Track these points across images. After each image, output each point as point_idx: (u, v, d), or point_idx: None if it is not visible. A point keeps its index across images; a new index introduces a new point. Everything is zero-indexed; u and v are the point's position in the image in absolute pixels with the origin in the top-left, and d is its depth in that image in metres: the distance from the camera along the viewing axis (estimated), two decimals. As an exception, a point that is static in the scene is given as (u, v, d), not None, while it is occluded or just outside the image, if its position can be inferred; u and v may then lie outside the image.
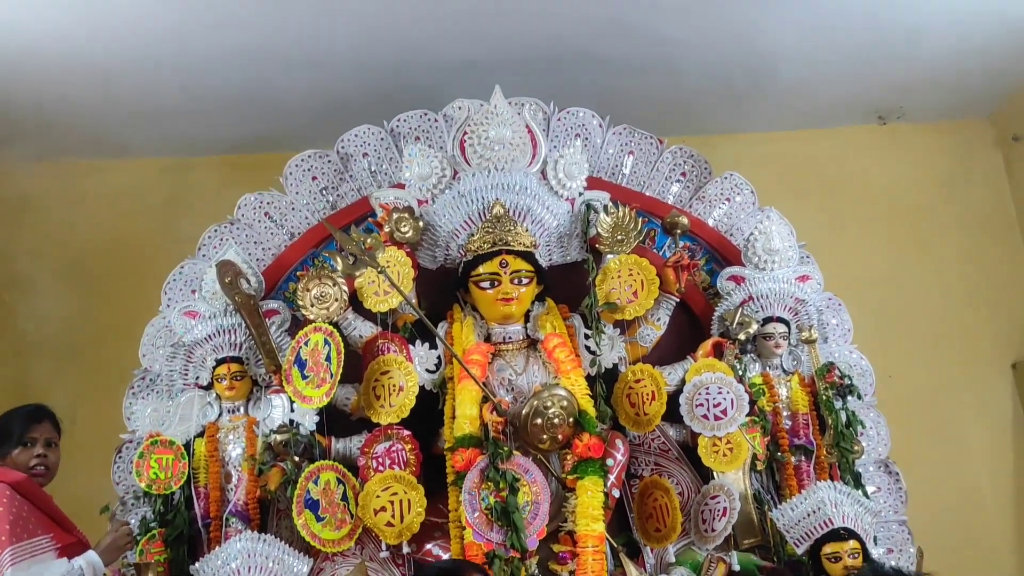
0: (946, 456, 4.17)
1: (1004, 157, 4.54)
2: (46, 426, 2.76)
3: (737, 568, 2.97)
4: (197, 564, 2.79)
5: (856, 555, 2.83)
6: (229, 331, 3.18)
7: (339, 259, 2.98)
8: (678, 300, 3.39)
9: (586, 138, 3.58)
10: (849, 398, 3.34)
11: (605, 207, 3.36)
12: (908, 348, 4.25)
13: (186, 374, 3.22)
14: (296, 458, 2.97)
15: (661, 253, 3.53)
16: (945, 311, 4.35)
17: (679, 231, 3.43)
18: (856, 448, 3.28)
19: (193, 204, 4.05)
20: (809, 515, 2.92)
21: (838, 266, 4.11)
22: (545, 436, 2.95)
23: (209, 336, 3.18)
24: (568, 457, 2.99)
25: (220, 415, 3.18)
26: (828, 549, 2.85)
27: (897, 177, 4.48)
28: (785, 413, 3.36)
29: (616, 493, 3.09)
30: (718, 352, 3.33)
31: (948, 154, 4.53)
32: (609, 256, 3.34)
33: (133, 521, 3.04)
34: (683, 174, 3.70)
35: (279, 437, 3.00)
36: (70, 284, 4.02)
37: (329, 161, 3.48)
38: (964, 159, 4.54)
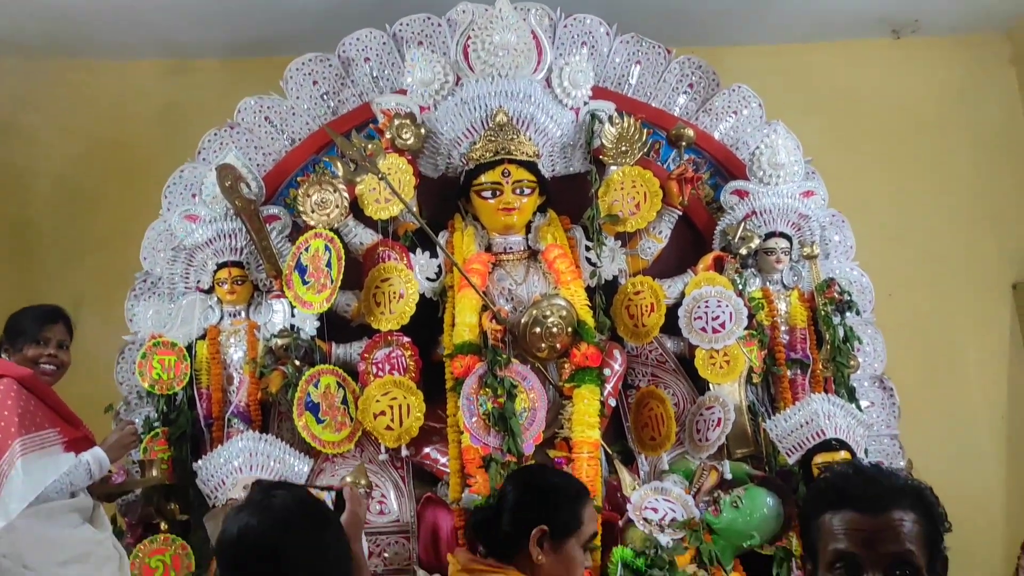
0: (942, 374, 4.19)
1: (1018, 75, 4.43)
2: (60, 328, 2.81)
3: (729, 476, 3.02)
4: (200, 461, 2.86)
5: (846, 466, 2.87)
6: (230, 235, 3.18)
7: (340, 165, 2.97)
8: (680, 213, 3.37)
9: (592, 46, 3.50)
10: (847, 314, 3.35)
11: (610, 117, 3.30)
12: (910, 266, 4.23)
13: (187, 277, 3.24)
14: (297, 362, 3.01)
15: (665, 166, 3.49)
16: (949, 230, 4.31)
17: (684, 143, 3.38)
18: (852, 363, 3.31)
19: (193, 108, 3.98)
20: (802, 426, 2.97)
21: (844, 182, 4.07)
22: (543, 345, 2.97)
23: (210, 240, 3.18)
24: (566, 366, 3.03)
25: (221, 319, 3.21)
26: (819, 459, 2.91)
27: (908, 93, 4.39)
28: (783, 327, 3.37)
29: (612, 402, 3.14)
30: (719, 266, 3.34)
31: (962, 70, 4.43)
32: (612, 168, 3.30)
33: (137, 420, 3.10)
34: (690, 85, 3.63)
35: (280, 341, 3.03)
36: (70, 187, 3.99)
37: (330, 65, 3.42)
38: (978, 75, 4.44)
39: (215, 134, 3.39)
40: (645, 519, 2.84)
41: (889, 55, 4.43)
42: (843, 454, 2.90)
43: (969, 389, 4.23)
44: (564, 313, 2.98)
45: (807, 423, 2.96)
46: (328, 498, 1.67)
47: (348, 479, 2.78)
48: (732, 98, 3.62)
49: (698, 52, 3.76)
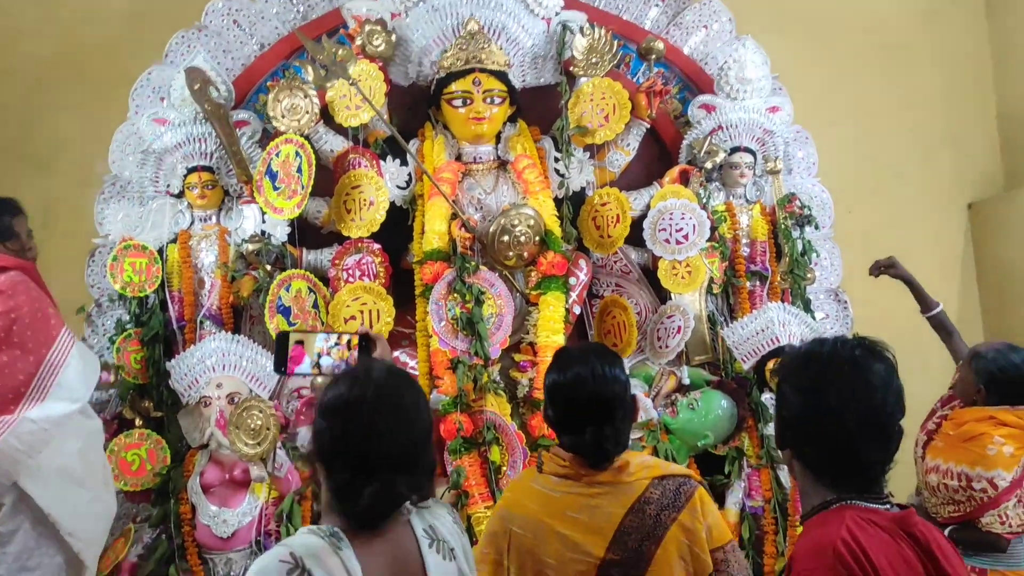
0: (896, 288, 4.33)
1: (986, 1, 4.49)
2: (23, 218, 2.81)
3: (687, 382, 3.16)
4: (173, 361, 2.93)
5: (799, 372, 3.01)
6: (199, 140, 3.18)
7: (311, 70, 2.98)
8: (648, 126, 3.42)
9: (565, -45, 3.49)
10: (807, 228, 3.45)
11: (581, 28, 3.31)
12: (870, 183, 4.34)
13: (157, 181, 3.25)
14: (268, 267, 3.05)
15: (635, 79, 3.52)
16: (910, 149, 4.41)
17: (654, 57, 3.41)
18: (809, 276, 3.43)
19: (160, 9, 3.91)
20: (758, 333, 3.10)
21: (810, 99, 4.13)
22: (511, 253, 3.05)
23: (179, 144, 3.18)
24: (532, 274, 3.11)
25: (192, 223, 3.24)
26: (772, 364, 3.04)
27: (877, 13, 4.42)
28: (744, 240, 3.46)
29: (577, 310, 3.23)
30: (684, 179, 3.41)
31: (931, -9, 4.48)
32: (583, 79, 3.33)
33: (109, 323, 3.15)
34: (662, -1, 3.64)
35: (251, 247, 3.07)
36: (39, 90, 3.93)
37: (300, -32, 3.38)
38: (946, -1, 4.49)
39: (183, 36, 3.35)
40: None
41: (862, -27, 4.44)
42: (796, 360, 3.03)
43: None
44: (532, 222, 3.04)
45: (762, 331, 3.09)
46: (352, 339, 1.80)
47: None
48: (703, 12, 3.64)
49: (669, -32, 3.75)
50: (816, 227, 3.48)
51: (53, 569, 2.36)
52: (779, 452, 2.89)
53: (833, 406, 1.37)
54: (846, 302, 3.70)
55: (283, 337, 1.78)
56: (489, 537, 1.88)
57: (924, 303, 3.13)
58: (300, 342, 1.77)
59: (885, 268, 3.18)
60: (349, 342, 1.79)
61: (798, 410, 1.42)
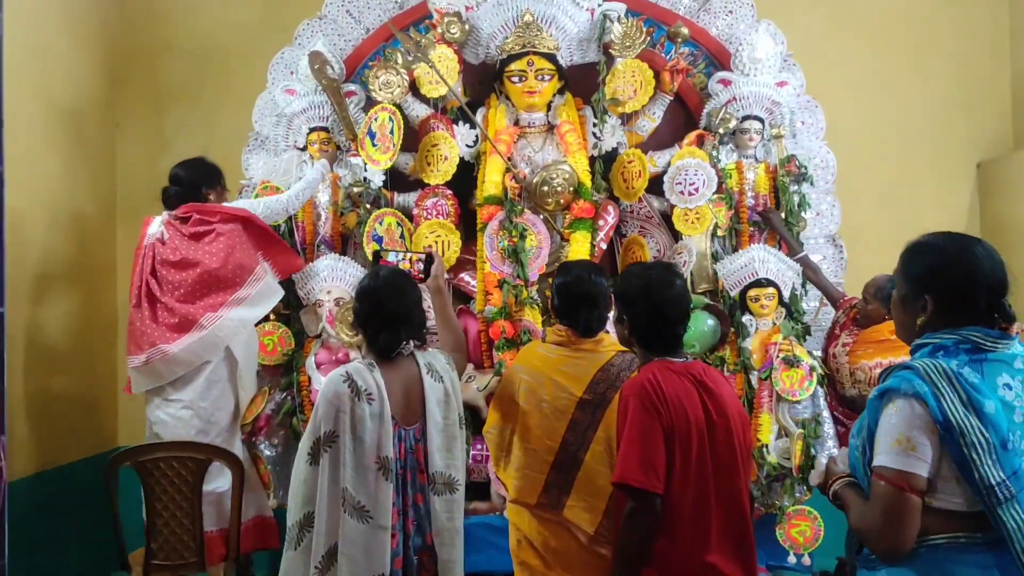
0: (903, 243, 4.94)
1: (1009, -26, 4.95)
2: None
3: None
4: (297, 273, 3.95)
5: (772, 298, 3.81)
6: (318, 106, 4.14)
7: (400, 54, 3.89)
8: (671, 99, 4.18)
9: (610, -48, 4.24)
10: (803, 184, 4.15)
11: (618, 18, 4.09)
12: (885, 144, 4.93)
13: (287, 138, 4.23)
14: (368, 205, 4.03)
15: (669, 57, 4.24)
16: (923, 112, 4.94)
17: (680, 39, 4.13)
18: (801, 224, 4.14)
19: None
20: (742, 267, 3.89)
21: (832, 67, 4.81)
22: (550, 200, 3.93)
23: (304, 109, 4.15)
24: (566, 216, 3.98)
25: (313, 170, 4.22)
26: (752, 292, 3.84)
27: (901, -12, 4.98)
28: (750, 194, 4.17)
29: (603, 245, 4.07)
30: (700, 142, 4.16)
31: (954, -32, 4.97)
32: (618, 59, 4.11)
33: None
34: (694, -14, 4.35)
35: (355, 189, 4.04)
36: (196, 60, 4.97)
37: (399, -33, 4.27)
38: (970, -26, 4.97)
39: (308, 23, 4.30)
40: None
41: (888, -47, 4.98)
42: (771, 290, 3.82)
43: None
44: (567, 176, 3.91)
45: (746, 265, 3.87)
46: (420, 257, 2.79)
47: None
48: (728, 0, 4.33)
49: (709, -46, 4.43)
50: (811, 183, 4.17)
51: (231, 410, 3.57)
52: (752, 360, 3.74)
53: (651, 303, 2.23)
54: (841, 247, 4.36)
55: (376, 254, 2.80)
56: (506, 381, 2.82)
57: (791, 248, 3.93)
58: (384, 258, 2.76)
59: (761, 213, 3.98)
60: (411, 259, 2.76)
61: (636, 307, 2.28)
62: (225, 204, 3.70)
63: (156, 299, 3.55)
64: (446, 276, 4.00)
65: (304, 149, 4.21)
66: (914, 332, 1.93)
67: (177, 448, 3.36)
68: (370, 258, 3.81)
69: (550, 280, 3.92)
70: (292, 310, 4.01)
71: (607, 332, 2.84)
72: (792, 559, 3.74)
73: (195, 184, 3.70)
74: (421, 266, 2.77)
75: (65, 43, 4.47)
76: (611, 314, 2.75)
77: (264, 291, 3.64)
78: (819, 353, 3.98)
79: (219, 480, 3.43)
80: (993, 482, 1.70)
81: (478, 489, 3.75)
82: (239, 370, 3.58)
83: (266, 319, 3.88)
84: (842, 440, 3.73)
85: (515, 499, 2.66)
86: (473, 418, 3.62)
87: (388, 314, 2.45)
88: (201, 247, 3.57)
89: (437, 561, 2.43)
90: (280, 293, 3.74)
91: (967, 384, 1.76)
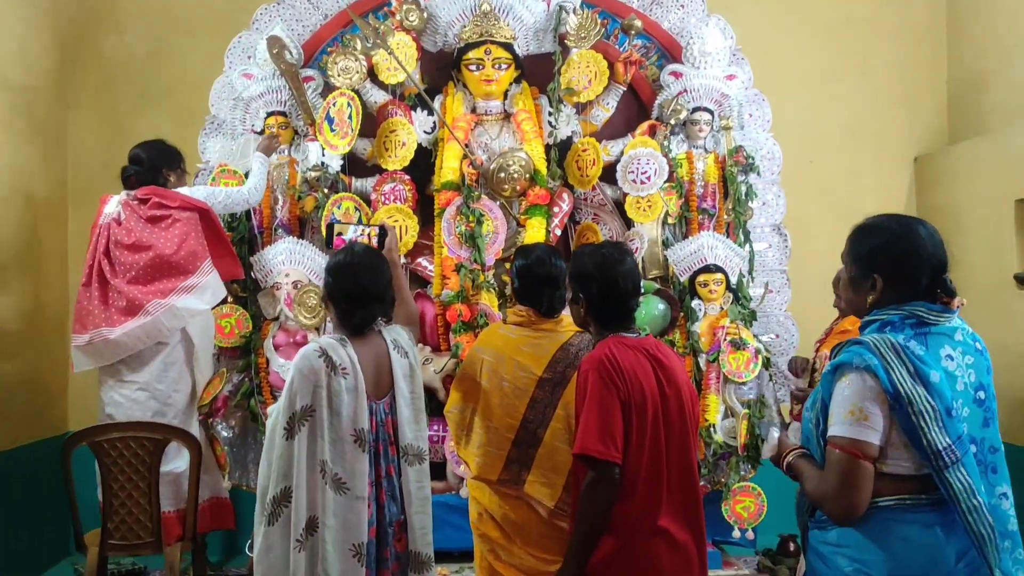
0: (845, 231, 5.10)
1: (946, -25, 5.17)
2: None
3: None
4: (255, 256, 3.98)
5: (720, 283, 3.94)
6: (276, 91, 4.16)
7: (359, 41, 3.93)
8: (624, 89, 4.29)
9: (566, -57, 4.33)
10: (750, 175, 4.29)
11: (574, 9, 4.18)
12: (828, 138, 5.11)
13: (244, 122, 4.24)
14: (325, 190, 4.06)
15: (622, 49, 4.35)
16: (865, 108, 5.14)
17: (633, 32, 4.25)
18: (748, 213, 4.28)
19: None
20: (691, 254, 4.02)
21: (780, 63, 4.96)
22: (506, 186, 4.01)
23: (261, 93, 4.17)
24: (522, 203, 4.06)
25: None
26: (700, 278, 3.98)
27: (846, -11, 5.17)
28: (699, 183, 4.31)
29: (558, 232, 4.17)
30: (652, 132, 4.28)
31: (896, -30, 5.17)
32: (574, 50, 4.20)
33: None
34: (647, -20, 4.46)
35: (313, 174, 4.08)
36: (152, 40, 4.92)
37: (358, -47, 4.29)
38: (910, -24, 5.18)
39: (266, 8, 4.31)
40: (572, 315, 3.95)
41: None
42: (719, 275, 3.96)
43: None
44: (523, 163, 3.99)
45: (695, 252, 4.01)
46: (373, 230, 2.82)
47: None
48: (680, -7, 4.45)
49: (663, -53, 4.54)
50: (758, 174, 4.32)
51: (188, 392, 3.56)
52: (700, 343, 3.87)
53: (606, 278, 2.33)
54: (786, 235, 4.51)
55: (330, 226, 2.82)
56: (468, 361, 2.88)
57: None
58: (340, 233, 2.80)
59: None
60: (369, 233, 2.80)
61: (591, 283, 2.37)
62: (187, 189, 3.69)
63: (107, 280, 3.54)
64: (402, 260, 4.12)
65: (261, 133, 4.22)
66: (864, 311, 2.04)
67: (134, 428, 3.36)
68: (323, 232, 3.86)
69: (507, 265, 4.03)
70: (250, 293, 4.03)
71: (566, 313, 2.94)
72: (736, 533, 3.90)
73: (156, 166, 3.69)
74: (376, 241, 2.82)
75: (15, 19, 4.40)
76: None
77: (213, 282, 3.63)
78: (767, 338, 4.13)
79: (176, 461, 3.44)
80: (940, 447, 1.82)
81: (434, 469, 3.81)
82: (195, 352, 3.59)
83: (224, 301, 3.90)
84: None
85: (477, 475, 2.74)
86: (430, 400, 3.69)
87: (364, 291, 2.50)
88: (156, 231, 3.56)
89: (407, 529, 2.50)
90: (223, 293, 3.73)
91: (913, 356, 1.87)
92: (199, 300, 3.57)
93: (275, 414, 2.42)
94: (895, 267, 1.98)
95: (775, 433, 2.18)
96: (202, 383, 3.61)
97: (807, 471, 1.99)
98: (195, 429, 3.57)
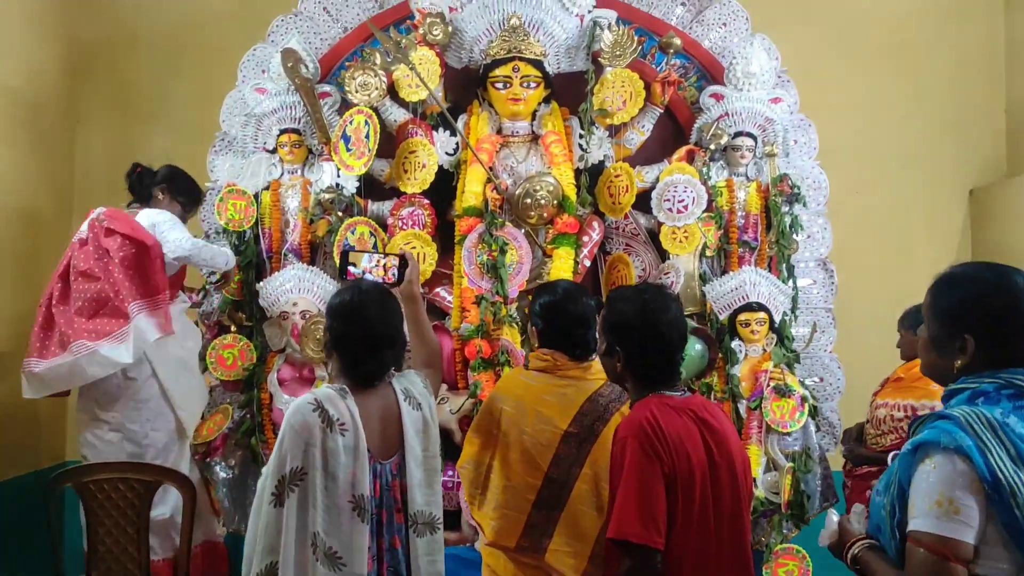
0: (894, 267, 4.76)
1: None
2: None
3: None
4: (261, 283, 3.72)
5: (763, 323, 3.63)
6: (291, 107, 3.91)
7: (379, 55, 3.68)
8: (661, 111, 4.00)
9: (603, -41, 4.07)
10: (795, 205, 3.99)
11: (609, 25, 3.91)
12: (878, 168, 4.80)
13: (256, 139, 4.00)
14: (339, 213, 3.80)
15: (659, 68, 4.06)
16: (917, 137, 4.83)
17: (672, 51, 3.96)
18: (793, 246, 3.97)
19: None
20: (732, 290, 3.71)
21: (826, 87, 4.67)
22: (533, 213, 3.73)
23: (275, 110, 3.92)
24: (549, 231, 3.78)
25: (282, 174, 3.98)
26: (742, 317, 3.66)
27: (900, 11, 4.83)
28: (740, 213, 4.01)
29: (587, 263, 3.87)
30: (690, 158, 3.98)
31: (953, -9, 4.87)
32: (608, 69, 3.92)
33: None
34: (687, -2, 4.18)
35: (327, 196, 3.82)
36: (164, 55, 4.74)
37: (380, -37, 4.05)
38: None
39: (282, 19, 4.07)
40: (600, 353, 3.65)
41: (887, -26, 4.86)
42: (761, 314, 3.64)
43: (917, 282, 4.82)
44: (551, 188, 3.71)
45: (736, 288, 3.69)
46: (393, 261, 2.51)
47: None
48: (722, 11, 4.15)
49: (708, -36, 4.27)
50: (804, 204, 4.01)
51: (170, 430, 3.26)
52: (740, 387, 3.56)
53: (648, 326, 2.03)
54: (832, 271, 4.19)
55: (344, 254, 2.52)
56: (484, 412, 2.59)
57: None
58: (354, 263, 2.51)
59: None
60: (385, 263, 2.51)
61: (630, 333, 2.08)
62: (144, 221, 3.41)
63: (52, 305, 3.29)
64: (421, 289, 3.84)
65: (274, 151, 3.99)
66: (950, 377, 1.74)
67: (123, 469, 3.11)
68: (337, 261, 3.59)
69: (529, 297, 3.75)
70: (255, 322, 3.77)
71: (595, 359, 2.64)
72: (778, 600, 3.56)
73: (154, 181, 3.46)
74: (395, 271, 2.51)
75: (24, 31, 4.23)
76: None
77: (135, 330, 3.24)
78: (811, 381, 3.81)
79: (161, 506, 3.17)
80: None
81: (448, 517, 3.51)
82: (167, 388, 3.30)
83: (226, 331, 3.64)
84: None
85: (492, 541, 2.43)
86: (445, 442, 3.39)
87: (374, 337, 2.18)
88: (104, 262, 3.30)
89: None
90: (145, 343, 3.31)
91: (1014, 435, 1.56)
92: (126, 351, 3.22)
93: (265, 475, 2.12)
94: (991, 325, 1.68)
95: (834, 517, 1.85)
96: (186, 418, 3.33)
97: (881, 570, 1.66)
98: (186, 468, 3.31)
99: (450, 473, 3.50)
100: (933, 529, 1.55)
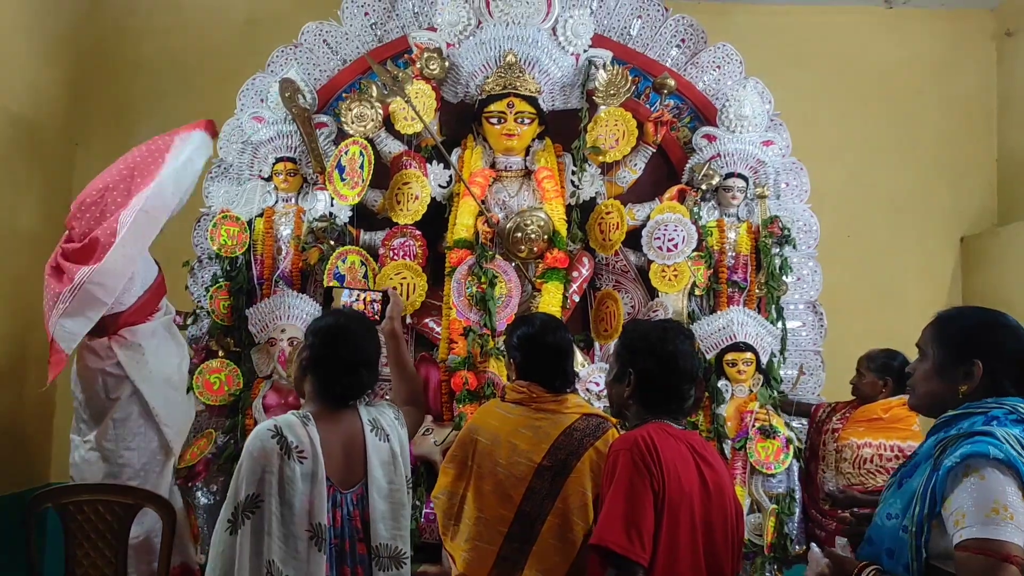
0: (885, 311, 4.79)
1: (998, 50, 4.90)
2: None
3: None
4: (251, 309, 3.73)
5: (749, 363, 3.63)
6: (287, 136, 3.95)
7: (374, 88, 3.72)
8: (654, 150, 4.03)
9: (602, 0, 4.13)
10: (785, 247, 4.01)
11: (604, 65, 3.96)
12: (870, 213, 4.84)
13: (252, 167, 4.04)
14: (332, 241, 3.82)
15: (653, 108, 4.11)
16: (910, 184, 4.88)
17: (666, 91, 4.01)
18: (782, 288, 3.98)
19: (267, 24, 4.73)
20: (720, 330, 3.72)
21: (819, 131, 4.72)
22: (523, 247, 3.75)
23: (271, 138, 3.96)
24: (539, 265, 3.80)
25: (276, 202, 4.01)
26: (728, 356, 3.66)
27: (891, 59, 4.91)
28: (730, 253, 4.03)
29: (576, 298, 3.89)
30: (681, 197, 4.01)
31: (946, 41, 4.92)
32: (602, 107, 3.97)
33: (207, 275, 3.97)
34: (682, 40, 4.23)
35: (320, 224, 3.85)
36: (164, 81, 4.80)
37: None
38: (960, 48, 4.92)
39: (282, 50, 4.14)
40: (587, 389, 3.65)
41: (879, 22, 4.93)
42: (748, 355, 3.64)
43: (908, 328, 4.83)
44: (542, 223, 3.73)
45: (724, 328, 3.70)
46: (375, 297, 2.54)
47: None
48: (717, 54, 4.21)
49: (704, 7, 4.36)
50: (794, 246, 4.03)
51: (151, 449, 3.26)
52: (726, 427, 3.55)
53: (667, 353, 2.05)
54: (822, 314, 4.20)
55: (328, 290, 2.54)
56: (459, 443, 2.58)
57: None
58: (337, 297, 2.55)
59: None
60: (366, 298, 2.53)
61: (646, 358, 2.09)
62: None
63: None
64: (408, 320, 3.85)
65: (268, 179, 4.02)
66: (952, 402, 1.83)
67: (104, 491, 3.10)
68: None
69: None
70: (243, 347, 3.78)
71: (574, 391, 2.64)
72: (759, 644, 3.52)
73: None
74: (377, 307, 2.53)
75: (25, 52, 4.28)
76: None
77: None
78: (798, 424, 3.80)
79: (135, 527, 3.14)
80: None
81: (430, 551, 3.50)
82: (152, 406, 3.30)
83: (214, 355, 3.65)
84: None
85: (463, 573, 2.42)
86: (429, 473, 3.39)
87: (353, 354, 2.20)
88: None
89: None
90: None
91: None
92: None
93: (225, 503, 2.11)
94: (996, 351, 1.79)
95: (817, 549, 1.85)
96: (173, 436, 3.32)
97: None
98: (166, 490, 3.29)
99: (431, 505, 3.48)
100: (989, 535, 1.59)
